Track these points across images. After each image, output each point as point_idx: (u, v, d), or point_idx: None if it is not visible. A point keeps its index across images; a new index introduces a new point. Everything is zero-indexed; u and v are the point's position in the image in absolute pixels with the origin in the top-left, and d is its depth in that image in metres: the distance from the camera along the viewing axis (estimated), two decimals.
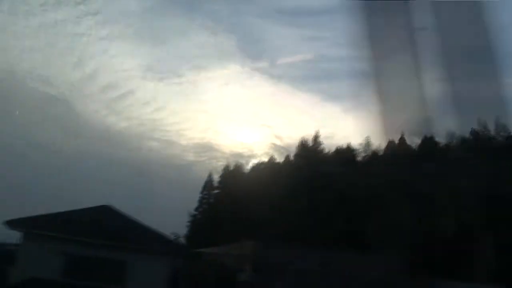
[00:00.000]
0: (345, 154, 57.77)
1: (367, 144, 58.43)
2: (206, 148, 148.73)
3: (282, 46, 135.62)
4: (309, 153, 57.48)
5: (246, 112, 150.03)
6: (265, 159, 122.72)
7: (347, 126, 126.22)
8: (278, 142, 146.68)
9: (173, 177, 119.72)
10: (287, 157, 68.36)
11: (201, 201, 68.08)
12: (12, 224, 19.39)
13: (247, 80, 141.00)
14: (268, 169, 64.94)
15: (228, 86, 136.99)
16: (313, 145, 57.75)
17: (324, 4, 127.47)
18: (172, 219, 71.75)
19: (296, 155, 59.17)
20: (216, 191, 68.61)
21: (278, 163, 68.04)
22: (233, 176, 67.18)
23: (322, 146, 56.99)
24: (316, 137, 57.68)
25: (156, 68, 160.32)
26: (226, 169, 68.86)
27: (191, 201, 77.79)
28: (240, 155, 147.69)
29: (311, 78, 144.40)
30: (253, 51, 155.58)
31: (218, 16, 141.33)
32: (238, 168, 69.11)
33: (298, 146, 59.18)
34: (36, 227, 19.54)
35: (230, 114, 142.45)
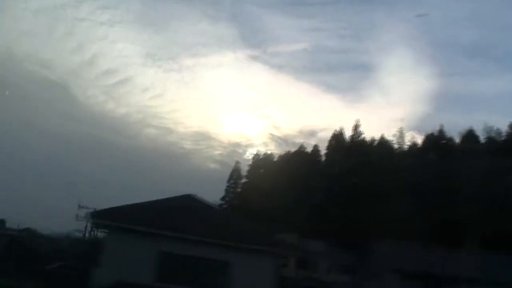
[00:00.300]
0: (386, 145, 55.05)
1: (401, 135, 55.75)
2: (204, 137, 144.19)
3: (282, 36, 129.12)
4: (348, 143, 54.53)
5: (244, 102, 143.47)
6: (263, 148, 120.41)
7: (347, 118, 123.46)
8: (276, 133, 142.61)
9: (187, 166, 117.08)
10: (316, 146, 65.64)
11: (227, 190, 65.58)
12: (98, 216, 16.29)
13: (247, 69, 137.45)
14: (298, 159, 62.15)
15: (228, 75, 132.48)
16: (353, 135, 54.66)
17: None
18: None
19: (331, 146, 56.07)
20: (244, 181, 66.05)
21: (307, 152, 65.22)
22: (261, 165, 64.49)
23: (363, 136, 54.01)
24: (356, 127, 54.59)
25: (156, 54, 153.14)
26: (255, 157, 66.05)
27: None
28: (238, 145, 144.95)
29: (311, 69, 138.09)
30: (253, 40, 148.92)
31: (219, 4, 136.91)
32: (267, 157, 66.31)
33: (333, 136, 56.19)
34: (124, 220, 16.41)
35: (229, 103, 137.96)
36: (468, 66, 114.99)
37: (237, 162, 67.71)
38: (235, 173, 66.38)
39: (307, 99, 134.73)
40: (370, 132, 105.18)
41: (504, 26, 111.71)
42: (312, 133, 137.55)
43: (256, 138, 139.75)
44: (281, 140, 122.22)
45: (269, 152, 68.66)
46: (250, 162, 66.82)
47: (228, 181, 65.97)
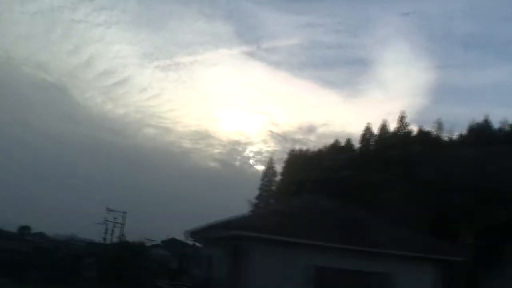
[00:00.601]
0: (430, 136, 52.59)
1: (439, 127, 53.37)
2: (203, 135, 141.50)
3: (279, 33, 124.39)
4: (392, 135, 51.90)
5: (242, 99, 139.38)
6: (262, 146, 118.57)
7: (345, 113, 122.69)
8: (275, 129, 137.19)
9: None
10: (348, 140, 63.14)
11: (262, 188, 63.07)
12: (235, 227, 13.73)
13: (244, 67, 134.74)
14: (334, 153, 59.70)
15: (225, 72, 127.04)
16: (399, 127, 52.04)
17: None
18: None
19: (378, 139, 53.40)
20: (278, 178, 63.53)
21: (342, 147, 62.76)
22: (296, 161, 61.96)
23: (409, 127, 51.32)
24: (402, 118, 51.99)
25: (153, 54, 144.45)
26: (291, 153, 63.42)
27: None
28: (237, 143, 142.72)
29: (309, 65, 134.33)
30: (250, 38, 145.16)
31: (215, 2, 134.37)
32: (302, 153, 63.72)
33: (380, 128, 53.45)
34: (269, 231, 13.86)
35: (227, 101, 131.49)
36: (466, 58, 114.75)
37: (270, 159, 65.08)
38: (269, 170, 63.83)
39: (305, 95, 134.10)
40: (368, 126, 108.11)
41: (502, 17, 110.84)
42: (311, 129, 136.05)
43: (255, 136, 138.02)
44: (280, 137, 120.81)
45: (304, 148, 65.92)
46: (285, 158, 64.16)
47: (262, 179, 63.43)
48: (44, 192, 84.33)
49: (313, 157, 61.92)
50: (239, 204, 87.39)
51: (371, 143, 58.97)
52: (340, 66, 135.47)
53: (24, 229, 69.88)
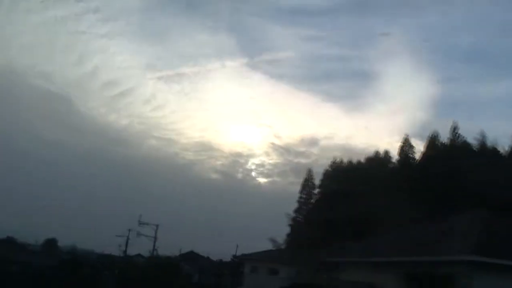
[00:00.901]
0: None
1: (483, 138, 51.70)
2: (206, 147, 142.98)
3: (282, 46, 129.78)
4: (446, 147, 50.67)
5: (245, 111, 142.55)
6: (265, 158, 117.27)
7: (347, 126, 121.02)
8: (277, 142, 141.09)
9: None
10: (386, 152, 62.10)
11: (300, 201, 62.77)
12: None
13: (247, 80, 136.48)
14: (381, 165, 58.85)
15: (228, 85, 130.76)
16: (452, 138, 50.91)
17: (323, 3, 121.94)
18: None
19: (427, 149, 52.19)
20: (317, 190, 63.17)
21: (380, 158, 61.86)
22: (335, 174, 61.45)
23: (461, 138, 50.13)
24: (455, 128, 50.87)
25: (156, 66, 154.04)
26: (332, 165, 62.97)
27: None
28: (239, 155, 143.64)
29: (311, 77, 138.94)
30: (253, 50, 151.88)
31: (218, 15, 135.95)
32: (340, 164, 63.12)
33: (428, 140, 52.31)
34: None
35: (230, 113, 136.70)
36: (468, 71, 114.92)
37: (309, 171, 64.72)
38: (308, 183, 63.48)
39: (307, 108, 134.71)
40: (371, 140, 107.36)
41: (503, 30, 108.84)
42: (314, 142, 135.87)
43: (257, 148, 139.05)
44: (282, 149, 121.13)
45: (343, 159, 65.26)
46: (324, 171, 63.74)
47: (301, 191, 63.17)
48: (43, 203, 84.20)
49: (353, 169, 61.22)
50: (244, 215, 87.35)
51: (409, 154, 58.04)
52: (343, 79, 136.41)
53: (51, 242, 70.86)
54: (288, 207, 61.46)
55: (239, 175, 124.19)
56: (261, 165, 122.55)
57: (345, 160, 65.51)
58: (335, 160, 64.35)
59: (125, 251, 56.36)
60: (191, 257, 67.09)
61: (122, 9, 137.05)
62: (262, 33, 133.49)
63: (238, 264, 59.46)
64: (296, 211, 61.96)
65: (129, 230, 53.83)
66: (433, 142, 51.76)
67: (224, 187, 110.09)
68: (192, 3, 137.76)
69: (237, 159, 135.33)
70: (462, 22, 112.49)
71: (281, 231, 58.45)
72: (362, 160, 63.21)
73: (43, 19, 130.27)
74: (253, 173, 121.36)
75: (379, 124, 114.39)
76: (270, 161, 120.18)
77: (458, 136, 50.03)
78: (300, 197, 63.38)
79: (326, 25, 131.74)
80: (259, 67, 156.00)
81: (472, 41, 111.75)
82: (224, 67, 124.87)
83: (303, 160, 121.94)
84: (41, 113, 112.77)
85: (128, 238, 54.53)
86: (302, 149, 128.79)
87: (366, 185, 49.28)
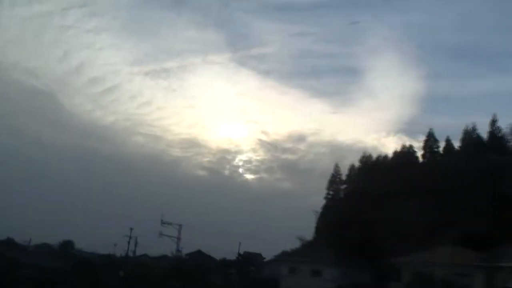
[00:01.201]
0: None
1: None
2: (193, 144, 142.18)
3: (270, 42, 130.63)
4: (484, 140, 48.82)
5: (232, 108, 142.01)
6: (252, 154, 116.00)
7: (334, 122, 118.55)
8: (265, 138, 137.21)
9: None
10: (410, 147, 59.98)
11: (327, 198, 61.63)
12: None
13: (235, 76, 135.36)
14: (402, 160, 57.11)
15: (215, 81, 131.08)
16: (492, 131, 49.08)
17: (311, 0, 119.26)
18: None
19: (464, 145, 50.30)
20: (344, 186, 61.90)
21: (415, 154, 59.68)
22: (365, 170, 59.94)
23: (502, 130, 48.24)
24: (493, 121, 49.03)
25: (143, 62, 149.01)
26: (362, 160, 61.35)
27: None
28: (227, 151, 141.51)
29: (299, 74, 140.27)
30: (240, 46, 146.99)
31: (207, 10, 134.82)
32: (368, 160, 61.46)
33: (464, 134, 50.38)
34: None
35: (217, 110, 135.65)
36: (454, 68, 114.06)
37: (336, 166, 63.46)
38: (335, 179, 62.19)
39: (294, 104, 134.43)
40: (358, 136, 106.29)
41: (490, 28, 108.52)
42: (301, 138, 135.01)
43: (245, 144, 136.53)
44: (269, 146, 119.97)
45: (371, 155, 63.67)
46: (349, 166, 62.34)
47: (328, 188, 61.95)
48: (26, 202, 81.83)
49: (384, 164, 59.43)
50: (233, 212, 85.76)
51: (434, 149, 56.32)
52: (330, 75, 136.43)
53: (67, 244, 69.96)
54: (276, 205, 59.70)
55: (226, 172, 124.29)
56: (249, 161, 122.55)
57: (374, 155, 63.68)
58: (364, 155, 62.72)
59: (134, 252, 57.83)
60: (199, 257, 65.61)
61: (109, 4, 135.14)
62: (250, 29, 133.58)
63: (243, 263, 59.06)
64: (324, 207, 60.79)
65: (131, 228, 55.16)
66: (469, 137, 49.94)
67: (211, 184, 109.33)
68: None
69: (224, 156, 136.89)
70: (448, 20, 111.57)
71: (278, 230, 57.65)
72: (390, 155, 61.56)
73: (28, 13, 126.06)
74: (240, 170, 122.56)
75: (366, 120, 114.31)
76: (258, 158, 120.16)
77: (499, 130, 48.10)
78: (328, 194, 62.30)
79: (313, 21, 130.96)
80: (246, 63, 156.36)
81: (458, 39, 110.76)
82: (211, 63, 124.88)
83: (290, 156, 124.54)
84: (25, 109, 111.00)
85: (130, 238, 55.58)
86: (289, 145, 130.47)
87: (397, 184, 47.74)
